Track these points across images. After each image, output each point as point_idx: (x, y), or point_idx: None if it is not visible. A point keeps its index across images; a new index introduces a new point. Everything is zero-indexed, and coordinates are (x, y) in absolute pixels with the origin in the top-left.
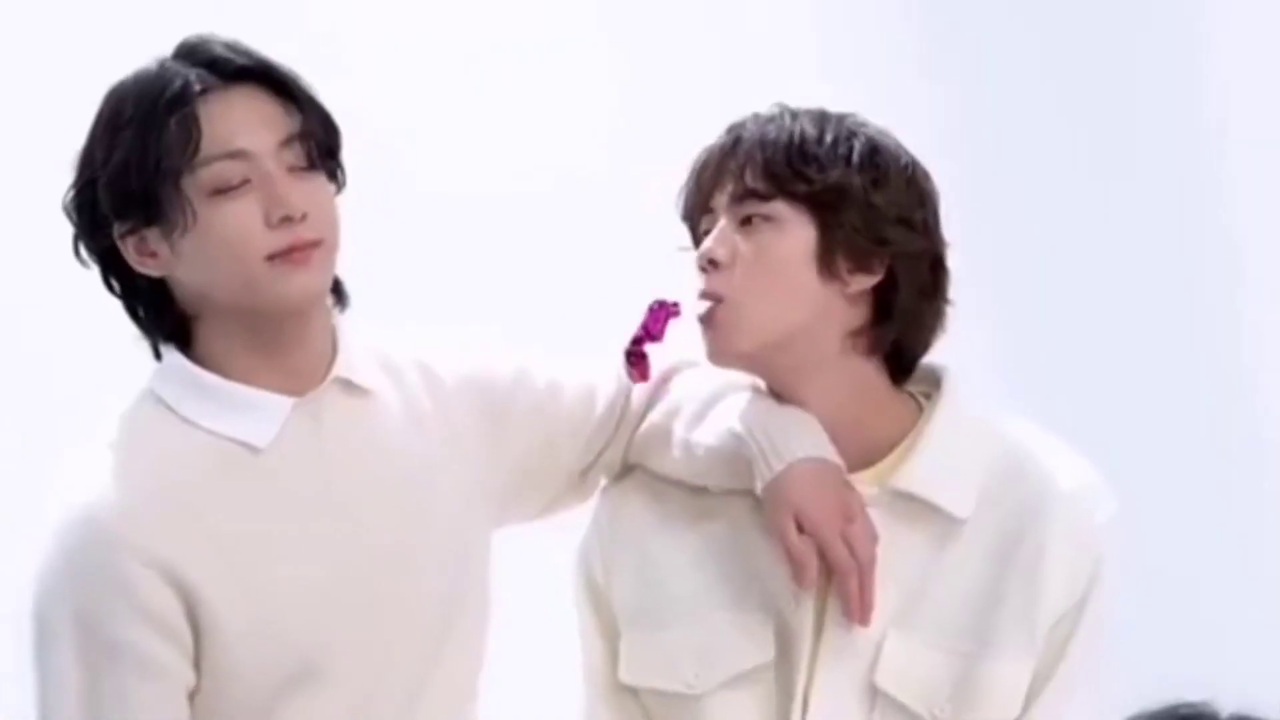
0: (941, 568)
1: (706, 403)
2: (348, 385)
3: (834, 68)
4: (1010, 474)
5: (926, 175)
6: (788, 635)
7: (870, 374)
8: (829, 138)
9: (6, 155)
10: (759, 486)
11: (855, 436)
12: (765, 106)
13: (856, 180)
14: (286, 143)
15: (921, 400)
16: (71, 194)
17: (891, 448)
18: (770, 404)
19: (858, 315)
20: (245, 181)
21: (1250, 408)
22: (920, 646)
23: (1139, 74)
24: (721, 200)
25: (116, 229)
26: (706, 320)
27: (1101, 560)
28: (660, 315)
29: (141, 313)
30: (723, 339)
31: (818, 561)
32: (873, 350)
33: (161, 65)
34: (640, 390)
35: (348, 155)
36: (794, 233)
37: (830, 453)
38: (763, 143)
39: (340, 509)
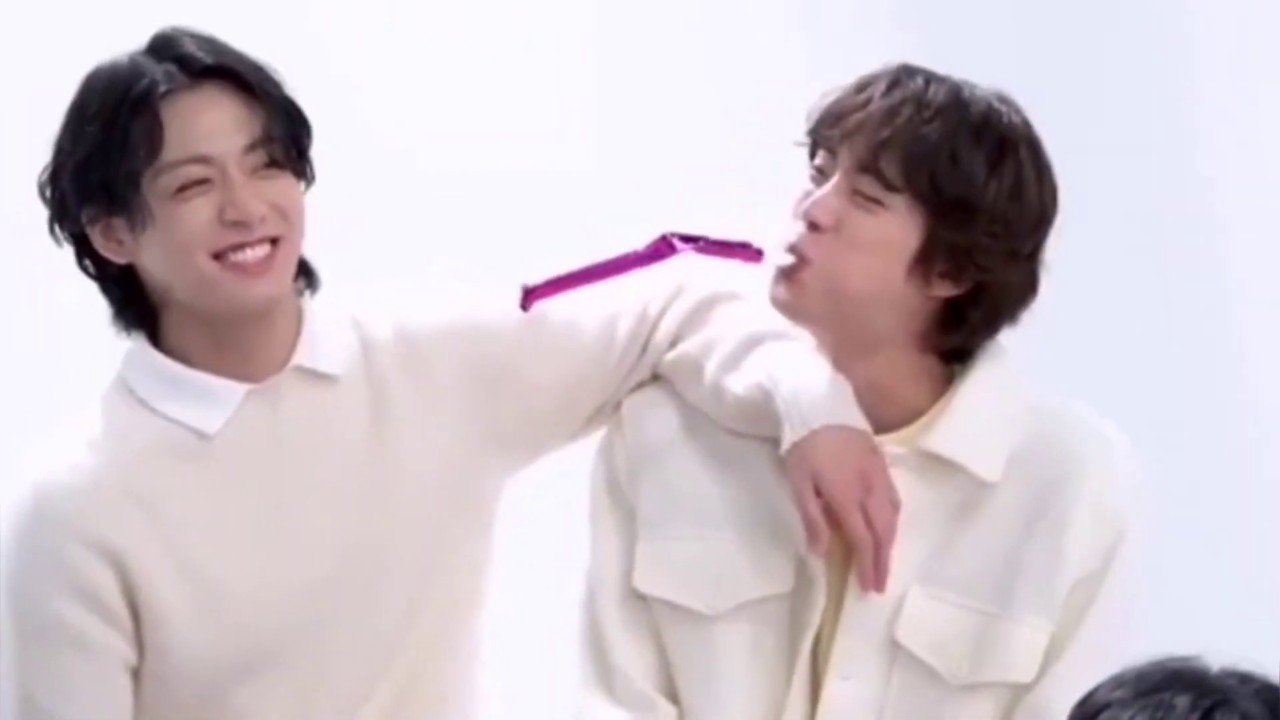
0: (967, 529)
1: (744, 345)
2: (310, 373)
3: (822, 66)
4: (1041, 440)
5: (1055, 203)
6: (806, 573)
7: (922, 360)
8: (983, 153)
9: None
10: (783, 447)
11: (890, 401)
12: (933, 72)
13: (987, 204)
14: (252, 145)
15: (955, 366)
16: (45, 176)
17: (923, 411)
18: (804, 362)
19: (928, 314)
20: (206, 181)
21: (1236, 403)
22: (942, 604)
23: (1111, 72)
24: (845, 158)
25: (84, 215)
26: (788, 274)
27: (1126, 530)
28: (739, 251)
29: (115, 296)
30: (795, 296)
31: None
32: (932, 349)
33: (132, 60)
34: (675, 314)
35: (333, 146)
36: (903, 227)
37: (858, 419)
38: (916, 137)
39: (296, 498)
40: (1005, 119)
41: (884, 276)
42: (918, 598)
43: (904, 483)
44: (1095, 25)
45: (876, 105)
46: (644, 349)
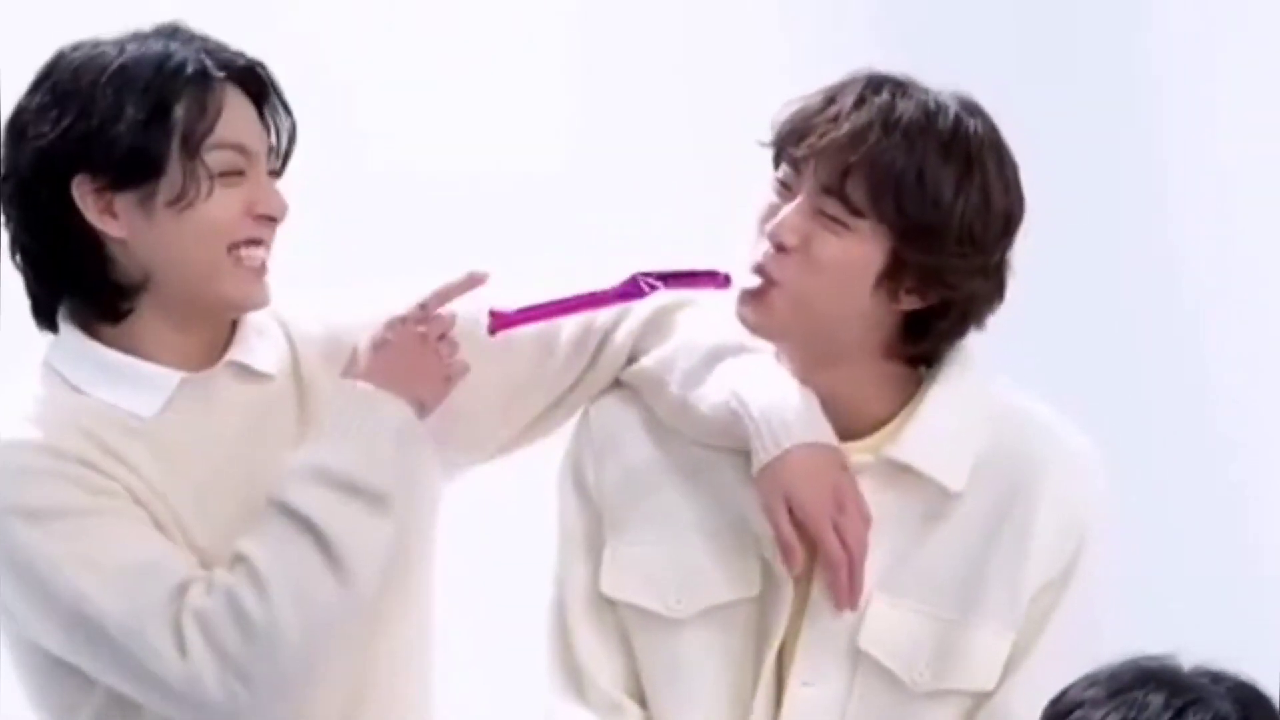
0: (931, 537)
1: (705, 361)
2: (244, 369)
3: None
4: (1006, 447)
5: (1022, 206)
6: (773, 578)
7: (886, 368)
8: (950, 170)
9: None
10: (754, 467)
11: (854, 410)
12: (901, 81)
13: (955, 224)
14: (270, 148)
15: (922, 370)
16: (35, 144)
17: (890, 418)
18: (770, 379)
19: (893, 324)
20: (240, 173)
21: (1202, 402)
22: (905, 612)
23: (1079, 66)
24: (811, 176)
25: (76, 181)
26: (756, 295)
27: (1088, 538)
28: (707, 281)
29: (72, 268)
30: (764, 317)
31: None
32: (896, 357)
33: (164, 40)
34: (627, 329)
35: (314, 149)
36: (868, 248)
37: (828, 435)
38: (882, 162)
39: (228, 488)
40: (972, 130)
41: (850, 294)
42: (881, 605)
43: (869, 490)
44: (1067, 22)
45: (843, 125)
46: (593, 360)
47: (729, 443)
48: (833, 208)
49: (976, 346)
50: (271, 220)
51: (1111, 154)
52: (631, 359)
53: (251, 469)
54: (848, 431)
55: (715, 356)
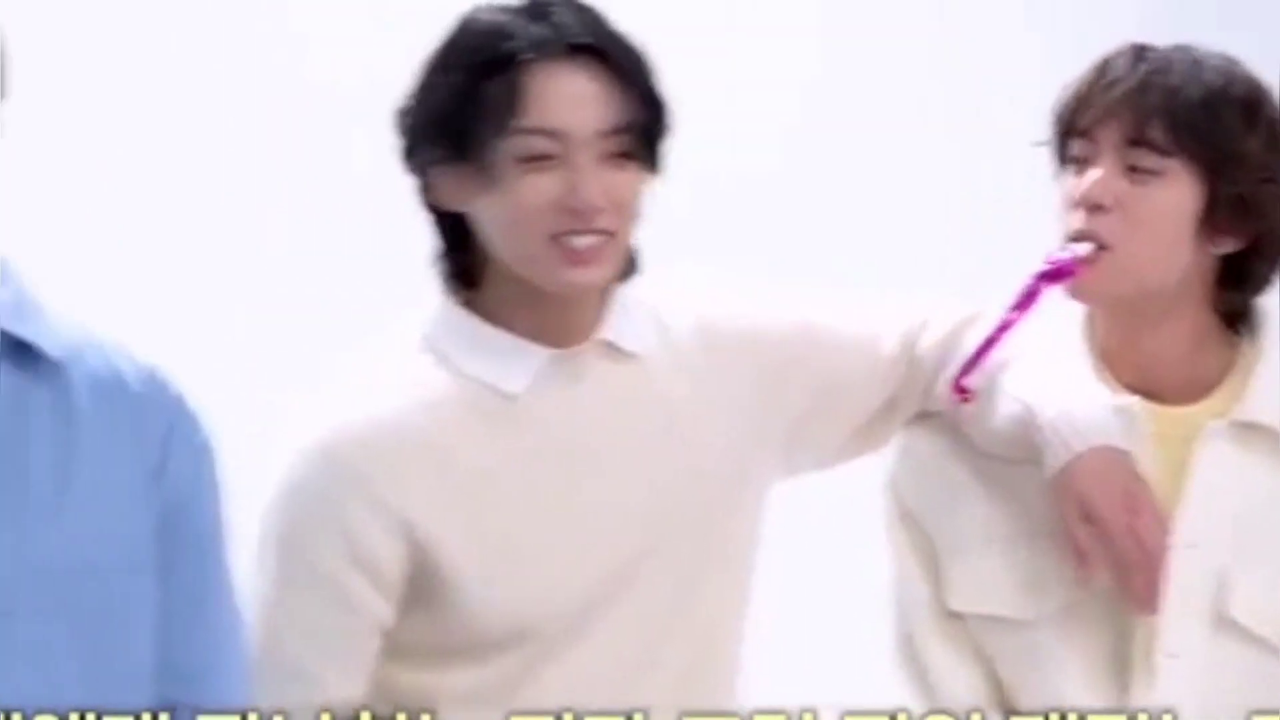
0: None
1: (996, 375)
2: (613, 349)
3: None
4: None
5: None
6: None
7: (1207, 320)
8: (1236, 108)
9: None
10: (1046, 473)
11: (1186, 372)
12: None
13: (1254, 153)
14: (606, 131)
15: (1239, 333)
16: (401, 107)
17: (1219, 380)
18: (1055, 381)
19: (1211, 274)
20: (554, 158)
21: None
22: (1269, 572)
23: None
24: (1109, 137)
25: (429, 156)
26: (1088, 262)
27: None
28: (1062, 269)
29: (443, 236)
30: (1096, 283)
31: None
32: (1216, 306)
33: (506, 17)
34: (930, 341)
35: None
36: (1182, 190)
37: (1118, 438)
38: (1173, 94)
39: (592, 464)
40: (1243, 75)
41: (1173, 244)
42: (1246, 571)
43: (1222, 455)
44: None
45: (1130, 80)
46: (906, 377)
47: (1023, 453)
48: (1140, 158)
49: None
50: (580, 213)
51: None
52: (936, 368)
53: (613, 445)
54: (1181, 396)
55: (1001, 365)
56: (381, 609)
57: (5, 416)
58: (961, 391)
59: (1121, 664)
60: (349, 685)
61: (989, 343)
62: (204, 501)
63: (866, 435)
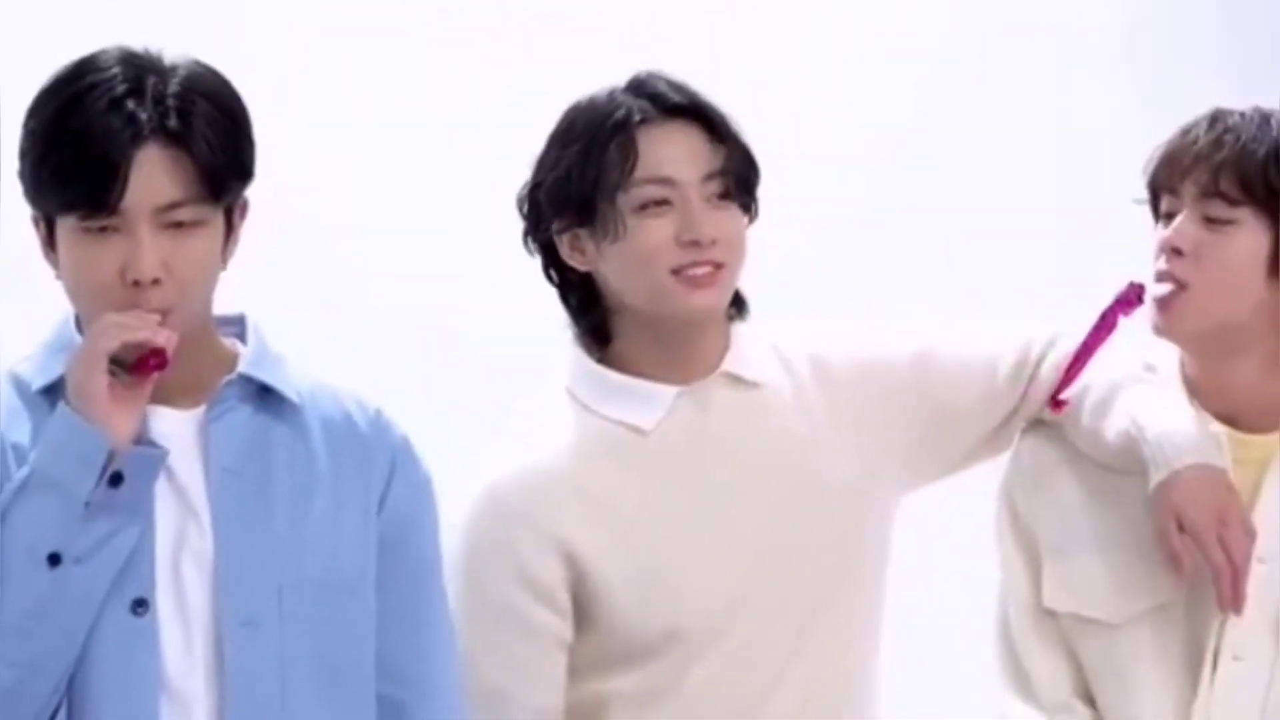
0: None
1: (1111, 390)
2: (736, 379)
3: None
4: None
5: None
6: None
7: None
8: None
9: None
10: (1149, 486)
11: (1262, 400)
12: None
13: None
14: (709, 177)
15: None
16: (523, 192)
17: None
18: (1164, 405)
19: None
20: (667, 203)
21: None
22: None
23: None
24: (1190, 190)
25: (555, 225)
26: (1165, 301)
27: None
28: (1130, 299)
29: (572, 302)
30: (1175, 320)
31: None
32: None
33: (611, 93)
34: (1052, 364)
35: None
36: (1253, 236)
37: (1215, 457)
38: (1245, 150)
39: (722, 488)
40: None
41: (1247, 285)
42: None
43: None
44: None
45: (1204, 141)
46: (1026, 392)
47: (1131, 466)
48: (1214, 208)
49: None
50: (695, 245)
51: None
52: (1051, 386)
53: (741, 466)
54: (1252, 423)
55: (1118, 386)
56: (559, 626)
57: (253, 451)
58: (1058, 405)
59: (1192, 666)
60: (546, 698)
61: (1076, 362)
62: (423, 530)
63: (990, 444)
